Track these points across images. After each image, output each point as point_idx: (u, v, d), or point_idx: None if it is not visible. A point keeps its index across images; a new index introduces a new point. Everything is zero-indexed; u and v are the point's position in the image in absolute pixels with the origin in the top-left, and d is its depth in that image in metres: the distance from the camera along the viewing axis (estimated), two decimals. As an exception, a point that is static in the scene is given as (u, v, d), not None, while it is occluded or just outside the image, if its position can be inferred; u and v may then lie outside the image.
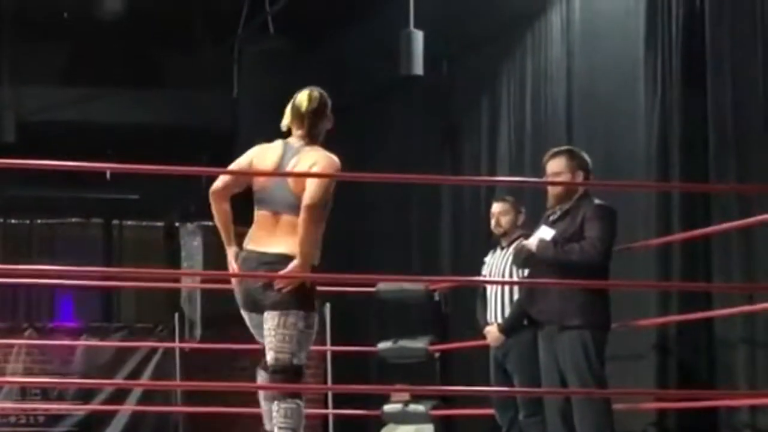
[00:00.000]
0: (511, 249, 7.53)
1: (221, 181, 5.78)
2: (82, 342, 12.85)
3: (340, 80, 11.46)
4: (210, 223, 13.34)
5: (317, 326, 5.73)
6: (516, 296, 7.51)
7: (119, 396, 12.59)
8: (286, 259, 5.56)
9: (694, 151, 7.81)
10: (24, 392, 12.71)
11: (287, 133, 5.84)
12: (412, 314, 10.30)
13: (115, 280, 11.53)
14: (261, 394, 5.87)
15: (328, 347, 10.88)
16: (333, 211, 5.77)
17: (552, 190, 6.94)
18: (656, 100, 8.14)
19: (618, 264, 6.89)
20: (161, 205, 14.29)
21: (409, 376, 9.72)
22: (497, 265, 7.77)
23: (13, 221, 14.73)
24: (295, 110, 5.78)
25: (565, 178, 6.84)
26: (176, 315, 13.14)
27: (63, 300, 14.39)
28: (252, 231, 5.74)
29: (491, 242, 8.09)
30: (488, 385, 7.78)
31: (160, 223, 14.99)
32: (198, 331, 13.43)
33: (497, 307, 7.65)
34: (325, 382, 11.20)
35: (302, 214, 5.52)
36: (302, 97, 5.79)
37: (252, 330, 5.82)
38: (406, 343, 9.65)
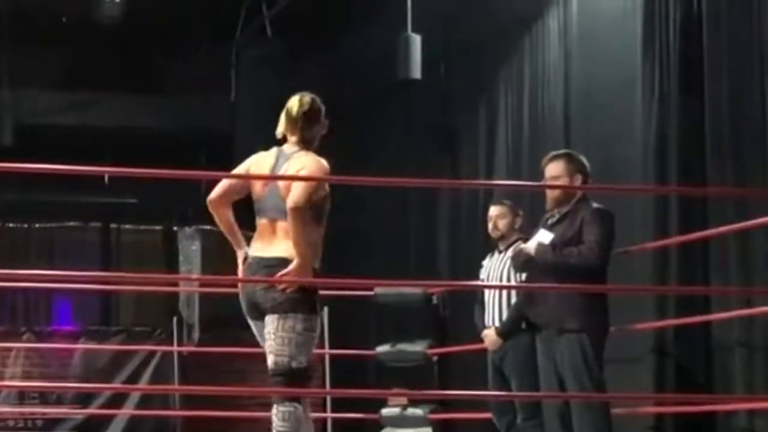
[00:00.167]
0: (509, 252, 7.54)
1: (216, 190, 5.85)
2: (80, 346, 12.86)
3: (338, 84, 11.49)
4: (208, 227, 13.42)
5: (319, 329, 5.75)
6: (513, 300, 7.52)
7: (118, 399, 12.59)
8: (285, 262, 5.62)
9: (692, 155, 7.81)
10: (22, 396, 12.70)
11: (284, 140, 5.87)
12: (411, 318, 10.32)
13: (114, 283, 11.51)
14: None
15: (327, 351, 10.88)
16: (331, 215, 5.79)
17: (550, 194, 6.95)
18: (653, 103, 8.14)
19: (615, 267, 6.90)
20: (159, 209, 14.28)
21: (407, 379, 9.73)
22: (495, 268, 7.77)
23: (11, 225, 14.71)
24: (287, 116, 5.85)
25: (563, 181, 6.85)
26: (174, 318, 13.15)
27: (61, 304, 14.38)
28: (254, 240, 5.82)
29: (489, 246, 8.10)
30: (486, 388, 7.78)
31: (158, 227, 14.97)
32: (196, 335, 13.43)
33: (495, 311, 7.65)
34: (324, 386, 11.20)
35: (288, 218, 5.58)
36: (292, 103, 5.85)
37: (259, 339, 5.84)
38: (404, 346, 9.66)
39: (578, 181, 6.87)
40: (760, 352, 7.14)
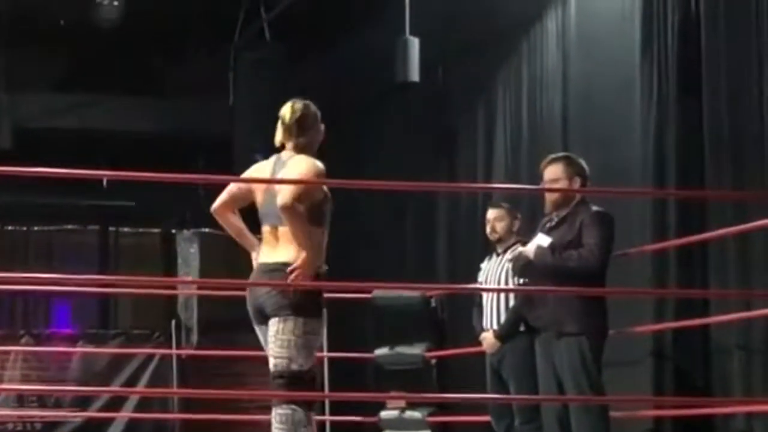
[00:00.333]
0: (507, 255, 7.54)
1: (218, 200, 5.91)
2: (78, 349, 12.85)
3: (336, 87, 11.49)
4: (207, 230, 13.43)
5: (323, 333, 5.75)
6: (512, 303, 7.51)
7: (116, 403, 12.58)
8: (286, 266, 5.63)
9: (690, 157, 7.81)
10: (21, 399, 12.70)
11: (283, 147, 5.90)
12: (409, 321, 10.30)
13: (112, 287, 11.52)
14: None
15: (325, 353, 10.86)
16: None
17: (549, 197, 6.95)
18: (652, 105, 8.14)
19: (614, 270, 6.89)
20: (158, 212, 14.28)
21: (405, 382, 9.72)
22: (493, 271, 7.77)
23: (9, 228, 14.71)
24: (282, 123, 5.88)
25: (562, 184, 6.84)
26: (173, 321, 13.15)
27: (60, 307, 14.38)
28: (260, 247, 5.84)
29: (487, 248, 8.09)
30: (485, 391, 7.77)
31: (156, 230, 14.98)
32: (195, 338, 13.43)
33: (493, 314, 7.64)
34: (322, 389, 11.19)
35: (284, 219, 5.59)
36: (285, 110, 5.88)
37: (263, 345, 5.85)
38: (402, 349, 9.67)
39: (577, 184, 6.85)
40: (758, 355, 7.13)
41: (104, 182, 12.66)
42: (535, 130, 9.67)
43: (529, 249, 6.88)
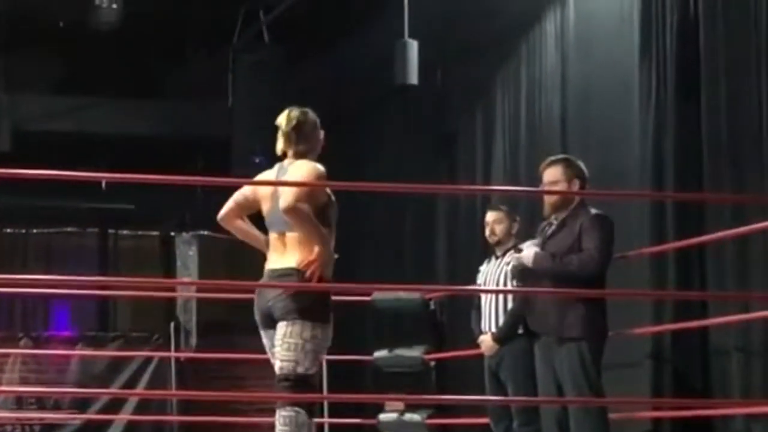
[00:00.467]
0: (506, 258, 7.53)
1: (224, 209, 5.93)
2: (77, 351, 12.85)
3: (335, 89, 11.50)
4: (206, 233, 13.43)
5: (330, 338, 5.74)
6: (510, 305, 7.51)
7: (115, 405, 12.58)
8: (295, 271, 5.64)
9: (689, 159, 7.81)
10: (20, 401, 12.70)
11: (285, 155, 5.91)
12: (408, 323, 10.30)
13: (111, 289, 11.52)
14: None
15: (324, 356, 10.86)
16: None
17: (548, 199, 6.93)
18: (651, 107, 8.14)
19: (613, 272, 6.88)
20: (157, 215, 14.29)
21: (404, 384, 9.71)
22: (492, 273, 7.76)
23: (8, 230, 14.72)
24: (280, 132, 5.87)
25: (561, 186, 6.83)
26: (172, 324, 13.15)
27: (58, 309, 14.38)
28: (268, 254, 5.83)
29: (487, 251, 8.09)
30: (483, 393, 7.77)
31: (155, 233, 14.99)
32: (194, 340, 13.43)
33: (491, 316, 7.64)
34: (321, 391, 11.18)
35: (290, 221, 5.59)
36: (281, 118, 5.90)
37: (268, 351, 5.84)
38: (401, 351, 9.65)
39: (576, 186, 6.83)
40: (757, 356, 7.14)
41: (103, 184, 12.66)
42: (534, 132, 9.67)
43: (526, 255, 6.85)
